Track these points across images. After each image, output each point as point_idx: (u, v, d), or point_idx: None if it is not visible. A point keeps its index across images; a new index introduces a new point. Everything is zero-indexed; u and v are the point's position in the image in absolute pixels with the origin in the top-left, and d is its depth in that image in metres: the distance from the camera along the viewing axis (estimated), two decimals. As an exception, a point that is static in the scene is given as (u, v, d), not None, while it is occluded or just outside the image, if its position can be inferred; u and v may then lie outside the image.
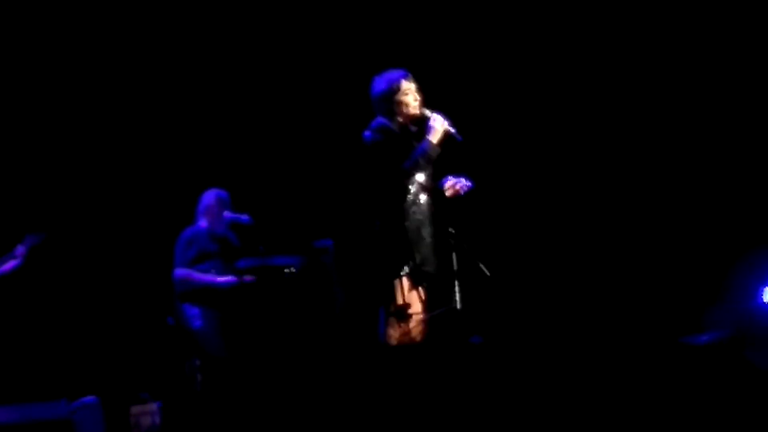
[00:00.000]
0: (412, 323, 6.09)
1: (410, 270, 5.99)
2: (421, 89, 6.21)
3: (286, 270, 7.57)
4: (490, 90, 8.63)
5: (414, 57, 8.12)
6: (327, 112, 8.56)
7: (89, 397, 7.31)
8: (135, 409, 7.45)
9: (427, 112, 6.13)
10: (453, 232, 6.14)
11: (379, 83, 6.19)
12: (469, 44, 8.66)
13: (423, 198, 6.10)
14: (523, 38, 8.65)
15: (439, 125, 6.07)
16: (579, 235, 8.52)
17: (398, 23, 8.62)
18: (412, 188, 6.06)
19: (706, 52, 8.37)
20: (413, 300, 6.07)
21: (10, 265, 7.54)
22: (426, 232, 6.09)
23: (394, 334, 6.07)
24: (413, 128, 6.19)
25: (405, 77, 6.14)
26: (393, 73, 6.17)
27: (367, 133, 6.12)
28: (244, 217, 7.77)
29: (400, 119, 6.15)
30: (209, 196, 7.90)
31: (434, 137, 6.06)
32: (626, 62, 8.51)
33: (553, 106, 8.63)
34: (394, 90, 6.13)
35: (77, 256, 8.71)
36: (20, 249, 7.54)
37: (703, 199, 8.36)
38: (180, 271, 7.68)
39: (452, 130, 6.07)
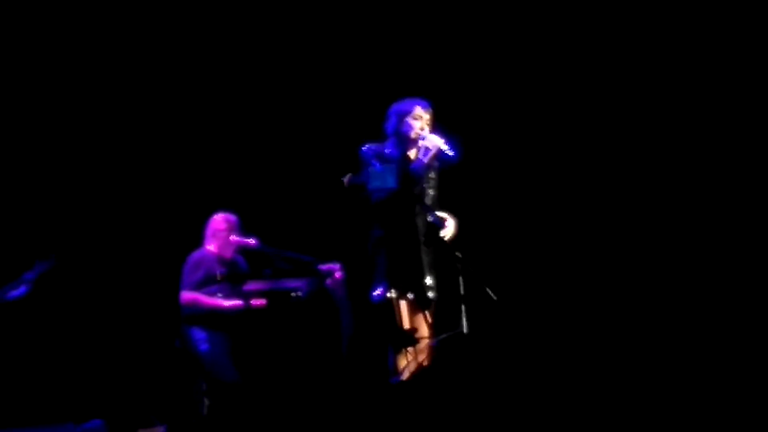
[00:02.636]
0: (420, 347, 6.09)
1: (396, 294, 6.02)
2: (435, 121, 6.33)
3: (292, 294, 7.57)
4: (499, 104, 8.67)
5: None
6: (337, 134, 8.57)
7: (96, 421, 7.32)
8: (141, 433, 7.45)
9: (423, 134, 6.22)
10: (460, 256, 6.15)
11: (401, 101, 6.38)
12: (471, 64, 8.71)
13: (419, 221, 6.13)
14: (521, 59, 8.67)
15: (430, 145, 6.16)
16: (585, 251, 8.50)
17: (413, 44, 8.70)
18: (406, 210, 6.11)
19: (707, 52, 8.36)
20: (419, 324, 6.07)
21: (19, 291, 7.56)
22: (423, 253, 6.11)
23: (402, 362, 6.08)
24: (412, 149, 6.26)
25: (422, 105, 6.29)
26: (415, 99, 6.35)
27: (362, 151, 6.23)
28: (251, 240, 7.77)
29: (402, 138, 6.23)
30: (217, 220, 7.91)
31: (427, 158, 6.15)
32: (626, 77, 8.51)
33: (558, 124, 8.64)
34: (408, 111, 6.24)
35: (85, 280, 8.73)
36: (29, 275, 7.57)
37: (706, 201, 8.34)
38: (187, 295, 7.68)
39: (444, 148, 6.14)
